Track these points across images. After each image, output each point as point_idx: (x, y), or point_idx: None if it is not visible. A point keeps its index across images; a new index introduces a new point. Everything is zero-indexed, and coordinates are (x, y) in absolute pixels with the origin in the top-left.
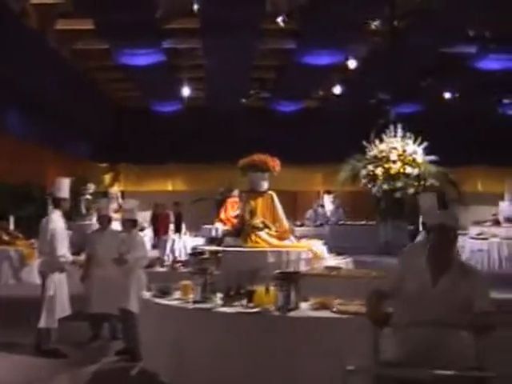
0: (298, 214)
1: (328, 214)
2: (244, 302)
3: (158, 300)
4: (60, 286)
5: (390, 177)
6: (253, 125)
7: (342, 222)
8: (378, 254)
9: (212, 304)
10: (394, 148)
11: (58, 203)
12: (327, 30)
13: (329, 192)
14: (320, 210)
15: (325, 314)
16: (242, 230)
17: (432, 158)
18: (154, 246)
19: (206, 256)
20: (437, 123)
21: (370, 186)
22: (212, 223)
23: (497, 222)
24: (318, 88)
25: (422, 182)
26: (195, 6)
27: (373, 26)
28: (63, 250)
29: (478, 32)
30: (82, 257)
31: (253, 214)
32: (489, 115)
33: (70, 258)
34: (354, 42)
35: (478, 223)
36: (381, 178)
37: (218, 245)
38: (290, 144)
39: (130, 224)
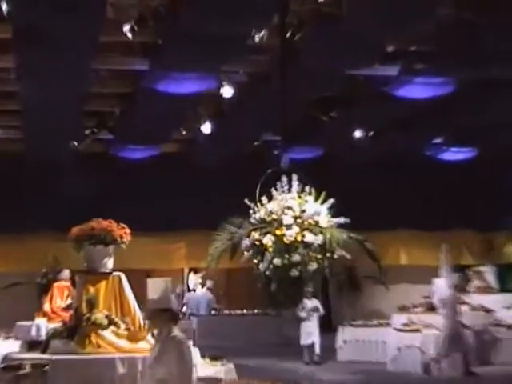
0: None
1: (196, 301)
2: None
3: None
4: None
5: (283, 248)
6: (88, 178)
7: (214, 313)
8: (269, 355)
9: None
10: (289, 208)
11: None
12: (193, 44)
13: (196, 271)
14: (191, 294)
15: None
16: (78, 328)
17: (340, 220)
18: None
19: (24, 371)
20: (345, 173)
21: (255, 261)
22: (32, 318)
23: (430, 308)
24: (179, 126)
25: (328, 255)
26: (3, 6)
27: (256, 40)
28: None
29: (400, 48)
30: None
31: (92, 304)
32: (414, 160)
33: None
34: (231, 61)
35: (405, 309)
36: (271, 249)
37: (43, 351)
38: (142, 204)
39: None
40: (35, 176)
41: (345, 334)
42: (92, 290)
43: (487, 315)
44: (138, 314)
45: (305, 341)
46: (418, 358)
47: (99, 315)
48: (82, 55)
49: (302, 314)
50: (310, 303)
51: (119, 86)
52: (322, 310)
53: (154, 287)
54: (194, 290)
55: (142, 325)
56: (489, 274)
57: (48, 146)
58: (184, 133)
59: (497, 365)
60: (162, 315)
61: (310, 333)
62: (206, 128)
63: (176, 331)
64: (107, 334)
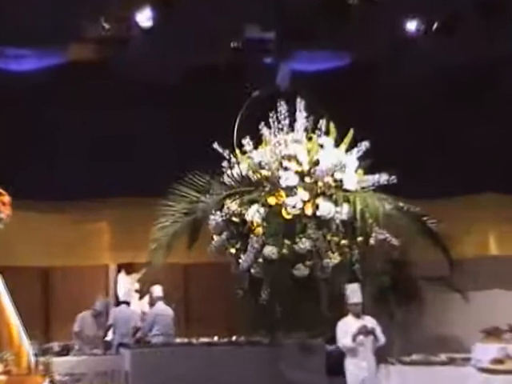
0: (57, 324)
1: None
2: None
3: None
4: None
5: (281, 228)
6: None
7: (163, 341)
8: None
9: None
10: (291, 158)
11: None
12: None
13: (128, 268)
14: (121, 310)
15: None
16: None
17: (381, 178)
18: None
19: None
20: (389, 97)
21: (232, 250)
22: None
23: None
24: (98, 15)
25: (360, 239)
26: None
27: None
28: None
29: None
30: None
31: None
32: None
33: None
34: None
35: (495, 334)
36: (260, 230)
37: None
38: (34, 153)
39: None
40: None
41: (392, 377)
42: None
43: None
44: (26, 346)
45: None
46: None
47: None
48: None
49: (346, 344)
50: (357, 322)
51: None
52: (381, 336)
53: None
54: (128, 303)
55: (33, 363)
56: None
57: None
58: (107, 27)
59: None
60: None
61: (363, 379)
62: (145, 18)
63: None
64: None
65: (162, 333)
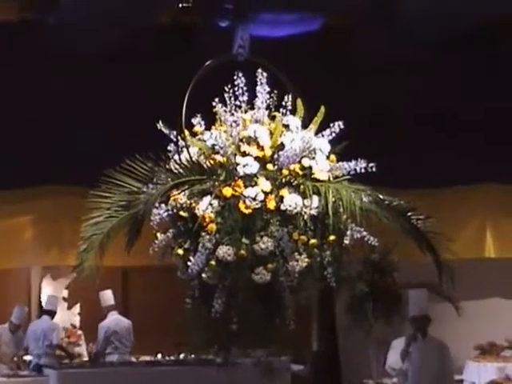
0: None
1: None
2: None
3: None
4: None
5: (238, 223)
6: None
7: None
8: None
9: None
10: (251, 140)
11: None
12: None
13: (55, 272)
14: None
15: None
16: None
17: (358, 166)
18: None
19: None
20: (367, 66)
21: (180, 251)
22: None
23: None
24: None
25: (332, 238)
26: None
27: None
28: None
29: None
30: None
31: None
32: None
33: None
34: None
35: (491, 350)
36: (212, 227)
37: None
38: None
39: None
40: None
41: None
42: None
43: None
44: None
45: None
46: None
47: None
48: None
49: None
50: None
51: None
52: None
53: None
54: (51, 313)
55: None
56: None
57: None
58: None
59: None
60: None
61: None
62: None
63: None
64: None
65: (117, 350)
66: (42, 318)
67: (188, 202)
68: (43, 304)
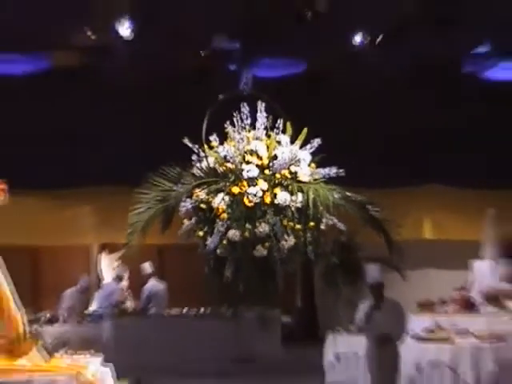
0: (46, 297)
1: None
2: None
3: None
4: None
5: (243, 213)
6: None
7: (133, 310)
8: (222, 376)
9: None
10: (253, 152)
11: None
12: None
13: (110, 249)
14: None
15: None
16: None
17: (331, 171)
18: None
19: None
20: (339, 99)
21: (200, 233)
22: None
23: (468, 305)
24: (82, 25)
25: (312, 224)
26: None
27: None
28: None
29: None
30: None
31: None
32: (445, 78)
33: None
34: None
35: (428, 307)
36: (224, 216)
37: None
38: (26, 146)
39: None
40: None
41: (338, 346)
42: None
43: None
44: (19, 315)
45: None
46: (447, 381)
47: None
48: None
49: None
50: None
51: None
52: None
53: None
54: (116, 279)
55: (25, 331)
56: None
57: None
58: (90, 35)
59: None
60: None
61: None
62: (125, 28)
63: None
64: None
65: (156, 306)
66: (107, 283)
67: (206, 197)
68: (103, 273)
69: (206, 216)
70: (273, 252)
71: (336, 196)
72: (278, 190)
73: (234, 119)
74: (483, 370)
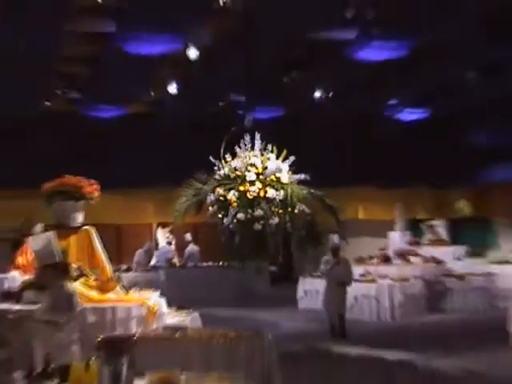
0: (124, 255)
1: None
2: (55, 382)
3: None
4: None
5: (246, 203)
6: (59, 136)
7: (178, 264)
8: (233, 305)
9: None
10: (252, 165)
11: None
12: (158, 6)
13: (164, 225)
14: (167, 247)
15: None
16: None
17: (301, 176)
18: None
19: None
20: (305, 131)
21: (220, 215)
22: (5, 271)
23: (386, 259)
24: (146, 87)
25: (289, 209)
26: None
27: (220, 2)
28: None
29: (358, 13)
30: None
31: (63, 257)
32: (373, 120)
33: None
34: (195, 23)
35: (361, 261)
36: (235, 204)
37: (17, 302)
38: (112, 162)
39: None
40: (8, 134)
41: (305, 285)
42: (63, 243)
43: (439, 266)
44: (108, 266)
45: None
46: (373, 307)
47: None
48: (49, 16)
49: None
50: None
51: (88, 47)
52: None
53: (36, 244)
54: (167, 244)
55: (112, 276)
56: (441, 227)
57: (21, 105)
58: (152, 94)
59: (447, 312)
60: (48, 271)
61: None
62: (173, 88)
63: (66, 286)
64: (78, 285)
65: (193, 261)
66: (164, 246)
67: (223, 193)
68: (160, 241)
69: (223, 204)
70: (265, 227)
71: (305, 192)
72: (268, 188)
73: (241, 144)
74: (395, 300)
